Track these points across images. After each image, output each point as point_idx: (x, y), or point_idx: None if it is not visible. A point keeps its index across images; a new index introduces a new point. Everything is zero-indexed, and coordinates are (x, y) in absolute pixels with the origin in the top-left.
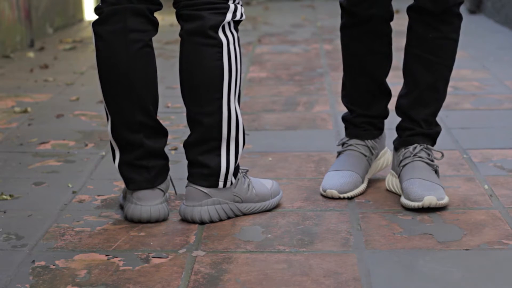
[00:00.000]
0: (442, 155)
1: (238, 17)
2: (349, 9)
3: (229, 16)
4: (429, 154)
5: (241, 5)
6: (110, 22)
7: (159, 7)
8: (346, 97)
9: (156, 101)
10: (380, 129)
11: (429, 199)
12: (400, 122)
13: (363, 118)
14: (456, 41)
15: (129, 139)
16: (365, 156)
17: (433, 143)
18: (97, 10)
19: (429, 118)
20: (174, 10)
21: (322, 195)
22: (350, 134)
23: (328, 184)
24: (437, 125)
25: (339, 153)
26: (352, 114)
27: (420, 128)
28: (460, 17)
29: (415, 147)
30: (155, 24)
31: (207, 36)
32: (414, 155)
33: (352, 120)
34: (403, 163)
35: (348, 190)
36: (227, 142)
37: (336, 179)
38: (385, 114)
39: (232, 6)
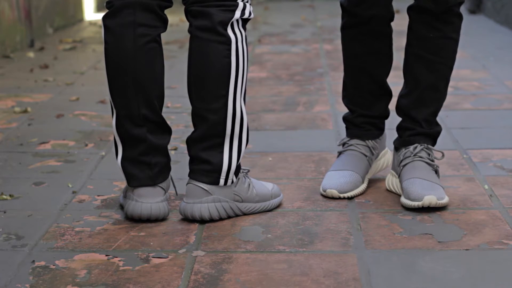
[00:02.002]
0: (443, 155)
1: (246, 15)
2: (350, 10)
3: (237, 14)
4: (429, 154)
5: (250, 4)
6: (119, 16)
7: (169, 4)
8: (347, 97)
9: (161, 97)
10: (381, 130)
11: (429, 199)
12: (401, 122)
13: (363, 118)
14: (456, 41)
15: (133, 133)
16: (366, 156)
17: (433, 143)
18: (108, 4)
19: (430, 118)
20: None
21: (322, 195)
22: (351, 134)
23: (328, 183)
24: (438, 125)
25: (340, 153)
26: (353, 114)
27: (420, 128)
28: (460, 17)
29: (416, 147)
30: (164, 21)
31: (216, 33)
32: (414, 155)
33: (353, 120)
34: (403, 163)
35: (348, 190)
36: (230, 140)
37: (336, 179)
38: (386, 115)
39: (241, 4)
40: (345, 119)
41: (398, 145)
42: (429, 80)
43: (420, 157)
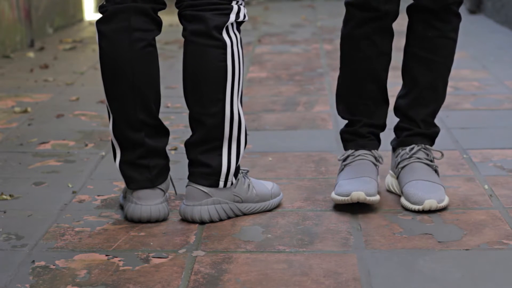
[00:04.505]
0: (442, 155)
1: (241, 18)
2: (365, 3)
3: (232, 17)
4: (428, 154)
5: (244, 6)
6: (114, 21)
7: (163, 6)
8: (346, 108)
9: (158, 100)
10: (379, 142)
11: (430, 203)
12: (398, 122)
13: (368, 128)
14: (454, 41)
15: (131, 137)
16: (376, 165)
17: (431, 143)
18: (101, 8)
19: (428, 118)
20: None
21: (337, 203)
22: (356, 145)
23: (351, 187)
24: (436, 126)
25: (345, 165)
26: (356, 125)
27: (418, 128)
28: (458, 17)
29: (412, 148)
30: (159, 24)
31: (211, 37)
32: (411, 156)
33: (357, 131)
34: (400, 165)
35: (374, 194)
36: (228, 142)
37: (358, 184)
38: (385, 124)
39: (235, 7)
40: (346, 132)
41: (396, 146)
42: (427, 80)
43: (418, 158)
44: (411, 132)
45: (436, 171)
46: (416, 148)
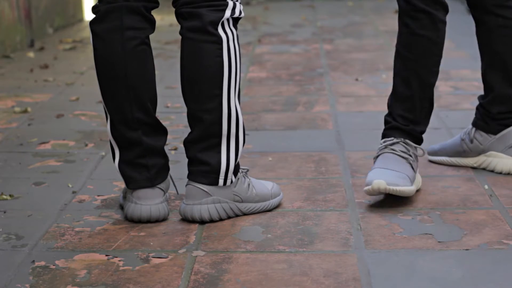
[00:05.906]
0: (424, 153)
1: (237, 14)
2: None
3: (228, 13)
4: (408, 149)
5: (240, 2)
6: (106, 20)
7: (155, 4)
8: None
9: (154, 98)
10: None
11: (378, 183)
12: (386, 115)
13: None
14: (426, 38)
15: (128, 136)
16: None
17: (414, 139)
18: (94, 9)
19: (405, 114)
20: (174, 10)
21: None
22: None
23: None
24: (419, 124)
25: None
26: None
27: (395, 123)
28: (425, 13)
29: (392, 140)
30: (151, 22)
31: (207, 33)
32: (385, 147)
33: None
34: (375, 155)
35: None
36: (227, 139)
37: None
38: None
39: (230, 3)
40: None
41: (381, 137)
42: (402, 75)
43: (392, 149)
44: (390, 126)
45: (411, 164)
46: (395, 140)
